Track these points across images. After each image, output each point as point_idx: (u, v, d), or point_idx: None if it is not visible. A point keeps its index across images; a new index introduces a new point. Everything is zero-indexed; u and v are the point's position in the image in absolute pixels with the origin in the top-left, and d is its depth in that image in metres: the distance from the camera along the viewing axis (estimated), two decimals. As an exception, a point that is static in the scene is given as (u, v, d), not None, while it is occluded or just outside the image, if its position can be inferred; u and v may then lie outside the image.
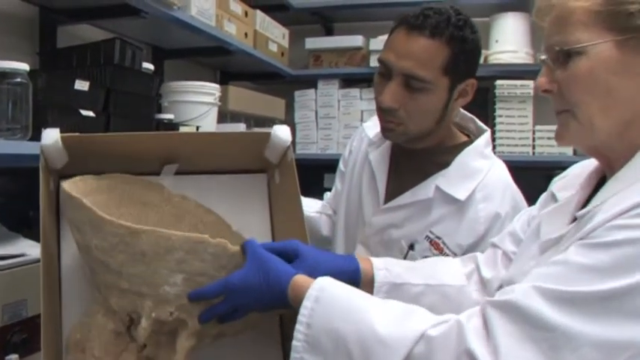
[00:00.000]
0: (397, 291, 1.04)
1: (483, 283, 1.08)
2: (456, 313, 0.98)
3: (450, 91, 1.24)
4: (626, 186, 0.78)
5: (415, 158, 1.34)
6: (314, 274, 0.90)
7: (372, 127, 1.44)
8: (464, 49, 1.22)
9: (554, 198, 0.98)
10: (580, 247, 0.74)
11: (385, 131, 1.30)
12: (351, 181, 1.46)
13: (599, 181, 0.91)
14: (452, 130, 1.35)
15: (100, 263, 0.92)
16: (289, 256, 0.96)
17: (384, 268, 1.05)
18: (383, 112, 1.27)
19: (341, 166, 1.54)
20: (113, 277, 0.92)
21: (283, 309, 0.91)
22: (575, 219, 0.86)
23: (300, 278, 0.88)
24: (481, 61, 3.01)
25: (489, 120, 2.85)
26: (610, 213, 0.74)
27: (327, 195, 1.66)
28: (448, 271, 1.09)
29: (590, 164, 0.94)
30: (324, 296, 0.83)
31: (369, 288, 1.02)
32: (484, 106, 2.92)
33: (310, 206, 1.56)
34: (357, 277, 1.02)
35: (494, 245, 1.11)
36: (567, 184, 0.97)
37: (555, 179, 1.04)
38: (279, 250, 0.96)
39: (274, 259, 0.91)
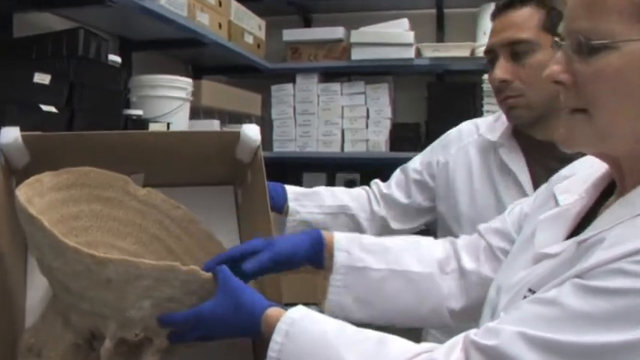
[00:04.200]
0: (357, 275, 1.05)
1: (462, 273, 1.08)
2: (421, 301, 1.06)
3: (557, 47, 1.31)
4: (636, 211, 0.73)
5: (553, 149, 1.34)
6: (288, 252, 1.01)
7: (488, 130, 1.45)
8: (555, 7, 1.31)
9: (555, 200, 0.93)
10: (576, 289, 0.69)
11: (509, 111, 1.35)
12: (471, 193, 1.43)
13: (608, 186, 0.86)
14: None
15: (59, 283, 0.92)
16: (258, 252, 1.01)
17: (345, 249, 1.06)
18: (500, 91, 1.34)
19: (427, 179, 1.52)
20: (74, 299, 0.91)
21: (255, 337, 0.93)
22: (575, 230, 0.84)
23: (273, 310, 0.88)
24: (468, 54, 3.05)
25: (477, 115, 2.86)
26: (613, 252, 0.69)
27: (377, 185, 1.59)
28: (418, 255, 1.08)
29: (601, 165, 0.87)
30: (294, 331, 0.82)
31: (331, 266, 1.06)
32: (472, 101, 2.93)
33: (325, 204, 1.51)
34: (321, 257, 1.07)
35: (480, 234, 1.10)
36: (572, 187, 0.92)
37: (559, 175, 1.00)
38: (248, 251, 1.01)
39: (246, 289, 0.92)
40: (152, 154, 1.14)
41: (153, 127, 1.93)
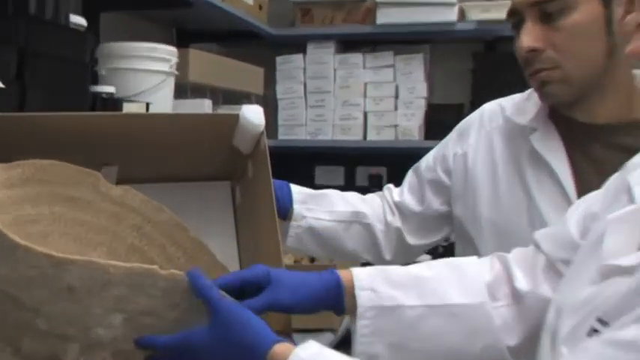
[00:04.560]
0: (388, 316, 1.05)
1: (516, 296, 1.07)
2: (470, 338, 1.06)
3: (604, 1, 1.28)
4: None
5: (599, 133, 1.34)
6: (288, 303, 1.02)
7: (516, 111, 1.45)
8: None
9: (629, 195, 0.90)
10: None
11: (541, 88, 1.33)
12: (493, 189, 1.45)
13: None
14: None
15: (7, 298, 0.91)
16: (260, 285, 1.02)
17: (368, 287, 1.06)
18: (529, 64, 1.32)
19: (441, 176, 1.52)
20: (27, 314, 0.91)
21: None
22: None
23: (280, 347, 0.89)
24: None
25: (526, 87, 2.86)
26: None
27: (389, 191, 1.61)
28: (461, 283, 1.09)
29: None
30: None
31: (354, 308, 1.07)
32: (519, 72, 2.90)
33: (336, 209, 1.54)
34: (340, 302, 1.07)
35: (536, 244, 1.10)
36: None
37: (633, 162, 0.97)
38: (248, 281, 1.02)
39: (248, 317, 0.93)
40: (128, 142, 1.15)
41: (128, 107, 1.93)
